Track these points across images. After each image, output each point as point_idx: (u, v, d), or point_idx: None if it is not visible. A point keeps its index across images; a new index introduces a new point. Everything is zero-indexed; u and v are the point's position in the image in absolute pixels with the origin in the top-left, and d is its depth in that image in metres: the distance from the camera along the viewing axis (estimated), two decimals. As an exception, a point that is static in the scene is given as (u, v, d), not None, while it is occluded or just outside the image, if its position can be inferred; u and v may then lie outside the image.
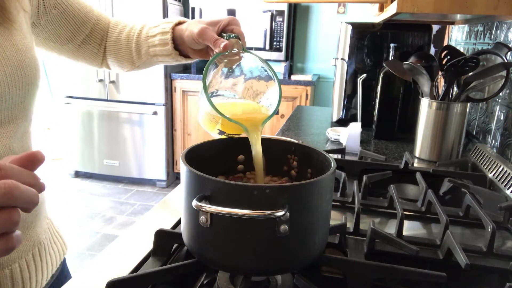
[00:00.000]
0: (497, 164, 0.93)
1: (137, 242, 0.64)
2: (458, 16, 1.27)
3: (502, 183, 0.87)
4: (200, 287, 0.55)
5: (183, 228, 0.50)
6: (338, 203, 0.80)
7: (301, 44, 3.61)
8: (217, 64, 0.62)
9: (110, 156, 3.47)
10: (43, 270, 0.64)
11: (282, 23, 3.23)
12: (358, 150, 1.11)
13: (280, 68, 3.40)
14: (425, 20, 1.59)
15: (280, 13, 3.21)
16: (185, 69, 3.62)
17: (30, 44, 0.58)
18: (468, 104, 1.11)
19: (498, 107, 1.15)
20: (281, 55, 3.31)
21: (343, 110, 1.64)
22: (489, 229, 0.62)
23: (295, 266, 0.48)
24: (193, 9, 3.37)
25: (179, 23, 0.71)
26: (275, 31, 3.25)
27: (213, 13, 3.34)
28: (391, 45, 1.36)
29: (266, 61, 0.61)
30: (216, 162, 0.59)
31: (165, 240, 0.58)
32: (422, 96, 1.17)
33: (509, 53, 1.08)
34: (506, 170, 0.88)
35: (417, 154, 1.19)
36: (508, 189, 0.84)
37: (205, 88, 0.54)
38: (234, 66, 0.63)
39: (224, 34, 0.64)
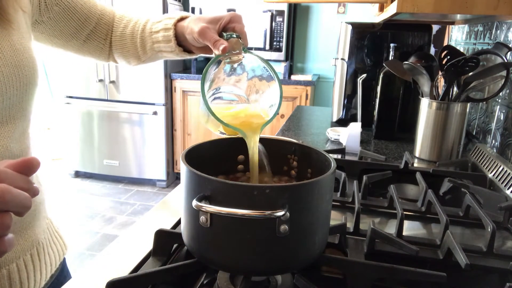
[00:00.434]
0: (497, 164, 0.93)
1: (137, 242, 0.64)
2: (458, 16, 1.27)
3: (502, 183, 0.87)
4: (200, 287, 0.55)
5: (183, 228, 0.50)
6: (338, 203, 0.80)
7: (301, 44, 3.61)
8: (219, 62, 0.61)
9: (110, 156, 3.47)
10: (41, 270, 0.63)
11: (282, 23, 3.23)
12: (358, 150, 1.11)
13: (280, 68, 3.40)
14: (425, 20, 1.59)
15: (280, 13, 3.21)
16: (185, 69, 3.62)
17: (29, 44, 0.58)
18: (468, 104, 1.11)
19: (498, 107, 1.15)
20: (281, 55, 3.31)
21: (343, 110, 1.64)
22: (489, 229, 0.62)
23: (295, 266, 0.48)
24: (193, 9, 3.37)
25: (182, 19, 0.71)
26: (275, 31, 3.25)
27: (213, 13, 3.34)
28: (391, 45, 1.36)
29: (267, 61, 0.61)
30: (216, 162, 0.59)
31: (165, 240, 0.58)
32: (422, 96, 1.17)
33: (509, 53, 1.08)
34: (506, 170, 0.88)
35: (417, 154, 1.19)
36: (508, 189, 0.84)
37: (204, 94, 0.53)
38: (236, 65, 0.63)
39: (224, 34, 0.64)
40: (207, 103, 0.53)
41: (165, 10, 3.10)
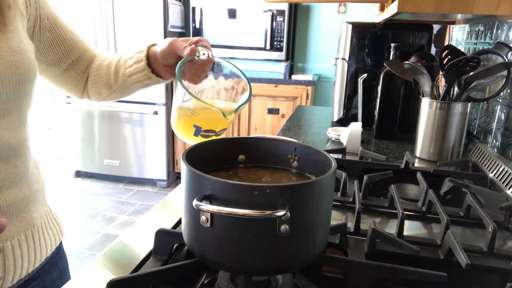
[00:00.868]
0: (498, 164, 0.93)
1: (137, 242, 0.64)
2: (459, 16, 1.27)
3: (503, 183, 0.87)
4: (201, 287, 0.55)
5: (183, 228, 0.50)
6: (339, 203, 0.80)
7: (301, 44, 3.60)
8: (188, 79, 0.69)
9: (110, 155, 3.47)
10: (36, 251, 0.66)
11: (282, 23, 3.23)
12: (358, 150, 1.11)
13: (280, 68, 3.40)
14: (426, 20, 1.59)
15: (281, 13, 3.21)
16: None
17: (27, 47, 0.61)
18: (469, 104, 1.11)
19: (499, 107, 1.15)
20: (281, 55, 3.31)
21: (343, 110, 1.64)
22: (489, 229, 0.62)
23: (296, 266, 0.48)
24: (193, 9, 3.37)
25: (155, 44, 0.77)
26: (276, 31, 3.25)
27: (214, 13, 3.34)
28: (392, 44, 1.36)
29: (232, 63, 0.67)
30: (216, 162, 0.59)
31: (165, 240, 0.58)
32: (423, 96, 1.17)
33: (510, 53, 1.08)
34: (507, 170, 0.88)
35: (417, 154, 1.19)
36: (509, 189, 0.84)
37: (180, 78, 0.59)
38: (205, 77, 0.71)
39: (193, 45, 0.70)
40: (183, 84, 0.58)
41: (165, 10, 3.10)
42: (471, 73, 1.06)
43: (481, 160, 1.02)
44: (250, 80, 0.70)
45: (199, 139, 0.63)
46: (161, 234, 0.58)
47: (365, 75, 1.51)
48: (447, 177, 0.87)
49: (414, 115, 1.31)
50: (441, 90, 1.16)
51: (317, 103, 3.56)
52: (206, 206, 0.42)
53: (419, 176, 0.87)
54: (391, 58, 1.36)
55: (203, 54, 0.68)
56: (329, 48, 3.52)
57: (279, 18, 3.22)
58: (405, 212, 0.66)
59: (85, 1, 3.14)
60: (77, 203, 3.15)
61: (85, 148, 3.50)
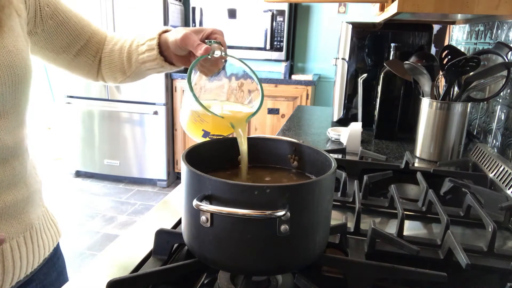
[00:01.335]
0: (498, 164, 0.93)
1: (137, 242, 0.64)
2: (459, 16, 1.27)
3: (503, 183, 0.87)
4: (201, 287, 0.55)
5: (183, 228, 0.50)
6: (339, 203, 0.80)
7: (301, 43, 3.60)
8: (199, 70, 0.66)
9: (110, 155, 3.47)
10: (34, 252, 0.67)
11: (282, 23, 3.23)
12: (358, 150, 1.11)
13: (280, 68, 3.40)
14: (426, 20, 1.59)
15: (281, 12, 3.21)
16: (186, 69, 3.60)
17: (23, 47, 0.61)
18: (469, 104, 1.11)
19: (499, 107, 1.15)
20: (281, 55, 3.31)
21: (343, 110, 1.64)
22: (489, 229, 0.62)
23: (296, 266, 0.48)
24: (193, 8, 3.37)
25: (166, 31, 0.75)
26: (276, 31, 3.25)
27: (214, 13, 3.34)
28: (392, 44, 1.36)
29: (246, 63, 0.64)
30: (216, 162, 0.59)
31: (165, 240, 0.58)
32: (423, 96, 1.17)
33: (510, 53, 1.08)
34: (507, 170, 0.88)
35: (417, 154, 1.19)
36: (509, 189, 0.84)
37: (190, 85, 0.56)
38: (216, 72, 0.67)
39: (206, 41, 0.67)
40: (194, 94, 0.55)
41: (165, 10, 3.10)
42: (471, 73, 1.06)
43: (481, 160, 1.02)
44: (250, 80, 0.69)
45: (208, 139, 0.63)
46: (161, 234, 0.58)
47: (365, 75, 1.51)
48: (447, 177, 0.87)
49: (414, 115, 1.31)
50: (441, 90, 1.16)
51: (317, 103, 3.56)
52: (206, 206, 0.42)
53: (419, 176, 0.87)
54: (391, 58, 1.36)
55: (217, 53, 0.65)
56: (329, 48, 3.52)
57: (279, 18, 3.22)
58: (405, 212, 0.66)
59: (85, 1, 3.14)
60: (77, 203, 3.15)
61: (85, 148, 3.50)
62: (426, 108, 1.14)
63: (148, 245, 0.61)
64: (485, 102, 1.26)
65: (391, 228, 0.72)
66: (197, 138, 0.63)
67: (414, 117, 1.31)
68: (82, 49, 0.77)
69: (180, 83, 3.31)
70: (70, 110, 3.43)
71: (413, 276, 0.52)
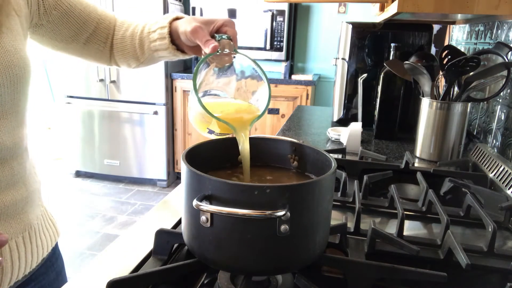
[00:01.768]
0: (498, 164, 0.93)
1: (137, 242, 0.64)
2: (459, 16, 1.27)
3: (503, 183, 0.87)
4: (201, 287, 0.55)
5: (183, 228, 0.50)
6: (339, 203, 0.80)
7: (301, 43, 3.60)
8: (209, 63, 0.63)
9: (110, 155, 3.47)
10: (32, 252, 0.67)
11: (282, 23, 3.23)
12: (358, 150, 1.11)
13: (280, 68, 3.40)
14: (426, 20, 1.59)
15: (281, 12, 3.21)
16: (186, 69, 3.62)
17: (21, 46, 0.61)
18: (469, 104, 1.11)
19: (499, 106, 1.15)
20: (281, 55, 3.31)
21: (343, 110, 1.64)
22: (490, 229, 0.62)
23: (296, 266, 0.48)
24: (193, 8, 3.37)
25: (177, 18, 0.73)
26: (276, 31, 3.25)
27: (214, 13, 3.34)
28: (392, 44, 1.36)
29: (256, 62, 0.62)
30: (216, 162, 0.59)
31: (165, 240, 0.58)
32: (423, 96, 1.17)
33: (510, 53, 1.08)
34: (507, 170, 0.88)
35: (417, 154, 1.19)
36: (509, 189, 0.84)
37: (195, 88, 0.55)
38: (225, 67, 0.65)
39: (216, 35, 0.65)
40: (199, 98, 0.54)
41: (165, 10, 3.10)
42: (471, 73, 1.06)
43: (481, 160, 1.02)
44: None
45: (214, 137, 0.62)
46: (161, 234, 0.58)
47: (365, 75, 1.51)
48: (447, 177, 0.87)
49: (414, 115, 1.31)
50: (441, 90, 1.16)
51: (317, 103, 3.56)
52: (206, 206, 0.42)
53: (419, 176, 0.87)
54: (391, 58, 1.36)
55: (226, 50, 0.62)
56: (329, 48, 3.52)
57: (279, 18, 3.22)
58: (405, 212, 0.66)
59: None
60: (77, 203, 3.15)
61: (85, 148, 3.50)
62: (426, 108, 1.14)
63: (148, 245, 0.61)
64: (485, 102, 1.26)
65: (391, 228, 0.72)
66: (203, 134, 0.62)
67: (414, 117, 1.31)
68: (91, 36, 0.76)
69: (180, 83, 3.31)
70: (70, 110, 3.42)
71: (413, 276, 0.52)
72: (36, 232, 0.68)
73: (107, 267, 0.57)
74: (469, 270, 0.53)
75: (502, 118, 1.12)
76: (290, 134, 1.44)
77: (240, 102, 0.63)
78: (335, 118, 1.67)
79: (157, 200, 3.24)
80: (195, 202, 0.42)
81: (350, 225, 0.66)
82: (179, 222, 0.70)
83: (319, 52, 3.58)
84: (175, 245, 0.60)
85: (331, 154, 0.54)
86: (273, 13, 3.21)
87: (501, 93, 1.12)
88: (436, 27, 1.87)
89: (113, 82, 3.27)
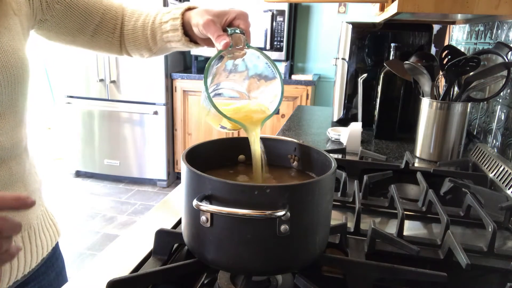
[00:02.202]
0: (498, 164, 0.93)
1: (137, 242, 0.64)
2: (459, 16, 1.27)
3: (503, 183, 0.87)
4: (201, 287, 0.55)
5: (183, 228, 0.50)
6: (339, 203, 0.80)
7: (301, 43, 3.60)
8: (222, 57, 0.61)
9: (110, 155, 3.47)
10: (32, 252, 0.66)
11: (282, 23, 3.23)
12: (358, 150, 1.11)
13: (281, 68, 3.39)
14: (426, 20, 1.59)
15: (281, 12, 3.21)
16: (186, 69, 3.62)
17: (20, 46, 0.60)
18: (469, 104, 1.11)
19: (499, 106, 1.15)
20: (281, 55, 3.31)
21: (343, 110, 1.64)
22: (490, 229, 0.62)
23: (296, 266, 0.48)
24: (193, 8, 3.37)
25: (190, 9, 0.72)
26: (276, 30, 3.25)
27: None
28: (392, 44, 1.36)
29: (269, 58, 0.61)
30: (216, 162, 0.59)
31: (165, 240, 0.58)
32: (423, 96, 1.17)
33: (510, 53, 1.08)
34: (507, 170, 0.88)
35: (417, 154, 1.19)
36: (509, 189, 0.84)
37: (207, 87, 0.54)
38: (238, 61, 0.63)
39: (228, 29, 0.64)
40: (209, 96, 0.53)
41: (165, 10, 3.10)
42: (471, 73, 1.06)
43: (481, 160, 1.02)
44: (250, 80, 0.66)
45: (227, 131, 0.61)
46: (161, 234, 0.58)
47: (365, 75, 1.51)
48: (447, 177, 0.87)
49: (414, 115, 1.31)
50: (441, 90, 1.16)
51: (317, 103, 3.56)
52: (206, 206, 0.42)
53: (419, 176, 0.87)
54: (391, 58, 1.36)
55: (238, 46, 0.61)
56: (329, 48, 3.52)
57: (279, 18, 3.22)
58: (405, 212, 0.66)
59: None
60: (77, 203, 3.15)
61: (85, 148, 3.50)
62: (426, 108, 1.14)
63: (148, 245, 0.61)
64: (485, 102, 1.26)
65: (391, 228, 0.72)
66: (216, 128, 0.61)
67: (414, 117, 1.31)
68: (98, 27, 0.75)
69: (180, 83, 3.31)
70: (70, 110, 3.42)
71: (413, 276, 0.52)
72: (35, 232, 0.67)
73: (107, 267, 0.57)
74: (469, 270, 0.53)
75: (502, 118, 1.12)
76: (290, 134, 1.44)
77: (250, 101, 0.62)
78: (335, 118, 1.67)
79: (157, 200, 3.24)
80: (195, 202, 0.42)
81: (350, 225, 0.66)
82: (179, 222, 0.70)
83: (319, 52, 3.58)
84: (175, 245, 0.60)
85: (331, 154, 0.54)
86: (273, 13, 3.21)
87: (501, 93, 1.12)
88: (436, 27, 1.87)
89: (113, 82, 3.27)
